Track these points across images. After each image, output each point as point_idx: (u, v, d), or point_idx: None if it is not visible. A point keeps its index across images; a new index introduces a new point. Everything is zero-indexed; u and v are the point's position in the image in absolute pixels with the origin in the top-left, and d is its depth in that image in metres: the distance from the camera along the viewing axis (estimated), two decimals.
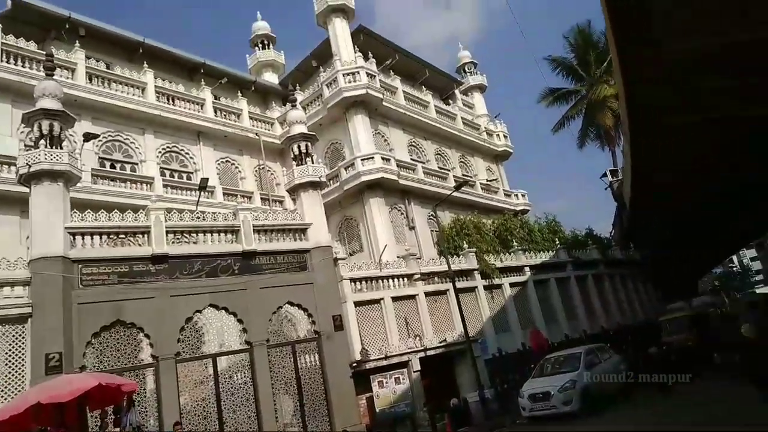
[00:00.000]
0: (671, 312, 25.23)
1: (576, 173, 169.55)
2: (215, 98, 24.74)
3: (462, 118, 32.77)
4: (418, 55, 32.91)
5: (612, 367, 15.25)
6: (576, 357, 14.88)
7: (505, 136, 36.50)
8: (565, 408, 13.11)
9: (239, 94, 26.31)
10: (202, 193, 18.30)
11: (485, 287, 21.52)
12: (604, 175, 35.10)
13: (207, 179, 17.99)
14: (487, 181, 32.97)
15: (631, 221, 25.84)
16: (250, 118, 25.88)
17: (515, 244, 25.17)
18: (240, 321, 14.04)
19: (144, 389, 12.19)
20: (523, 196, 34.83)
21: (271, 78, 32.20)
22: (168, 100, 22.54)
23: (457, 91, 36.82)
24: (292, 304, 15.28)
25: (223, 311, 13.92)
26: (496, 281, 22.08)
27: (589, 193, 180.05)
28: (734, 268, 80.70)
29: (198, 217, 14.74)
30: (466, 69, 39.83)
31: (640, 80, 9.02)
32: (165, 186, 20.51)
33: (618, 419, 12.39)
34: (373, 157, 23.31)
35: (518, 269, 23.68)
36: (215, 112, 24.16)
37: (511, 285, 22.88)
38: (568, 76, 38.06)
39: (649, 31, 7.59)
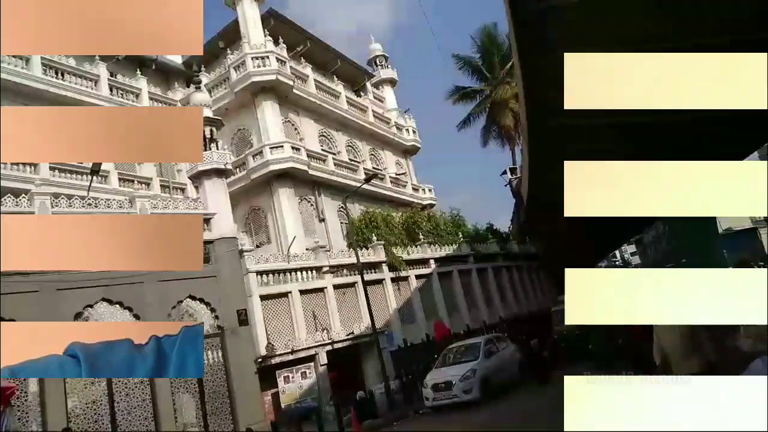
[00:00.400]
0: (562, 303, 27.10)
1: (479, 169, 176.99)
2: (111, 75, 22.87)
3: (373, 110, 32.86)
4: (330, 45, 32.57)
5: (509, 355, 16.12)
6: (476, 347, 15.49)
7: (414, 131, 37.14)
8: (466, 396, 13.60)
9: (138, 72, 24.55)
10: (95, 178, 16.88)
11: (392, 279, 21.87)
12: (505, 172, 37.02)
13: (100, 163, 16.64)
14: (396, 174, 33.45)
15: (528, 218, 27.43)
16: (150, 98, 24.17)
17: (422, 237, 25.80)
18: (136, 316, 13.18)
19: (25, 392, 11.10)
20: (429, 190, 35.76)
21: (173, 57, 30.31)
22: (56, 74, 20.45)
23: (368, 84, 36.83)
24: (193, 298, 14.63)
25: (118, 306, 13.03)
26: (403, 273, 22.52)
27: (490, 189, 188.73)
28: (617, 262, 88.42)
29: (89, 204, 13.61)
30: (378, 62, 39.98)
31: (539, 84, 9.52)
32: (52, 169, 18.58)
33: (513, 406, 13.05)
34: (282, 146, 22.77)
35: (424, 262, 24.28)
36: (111, 90, 22.28)
37: (417, 277, 23.41)
38: (474, 75, 39.52)
39: (547, 38, 8.06)
